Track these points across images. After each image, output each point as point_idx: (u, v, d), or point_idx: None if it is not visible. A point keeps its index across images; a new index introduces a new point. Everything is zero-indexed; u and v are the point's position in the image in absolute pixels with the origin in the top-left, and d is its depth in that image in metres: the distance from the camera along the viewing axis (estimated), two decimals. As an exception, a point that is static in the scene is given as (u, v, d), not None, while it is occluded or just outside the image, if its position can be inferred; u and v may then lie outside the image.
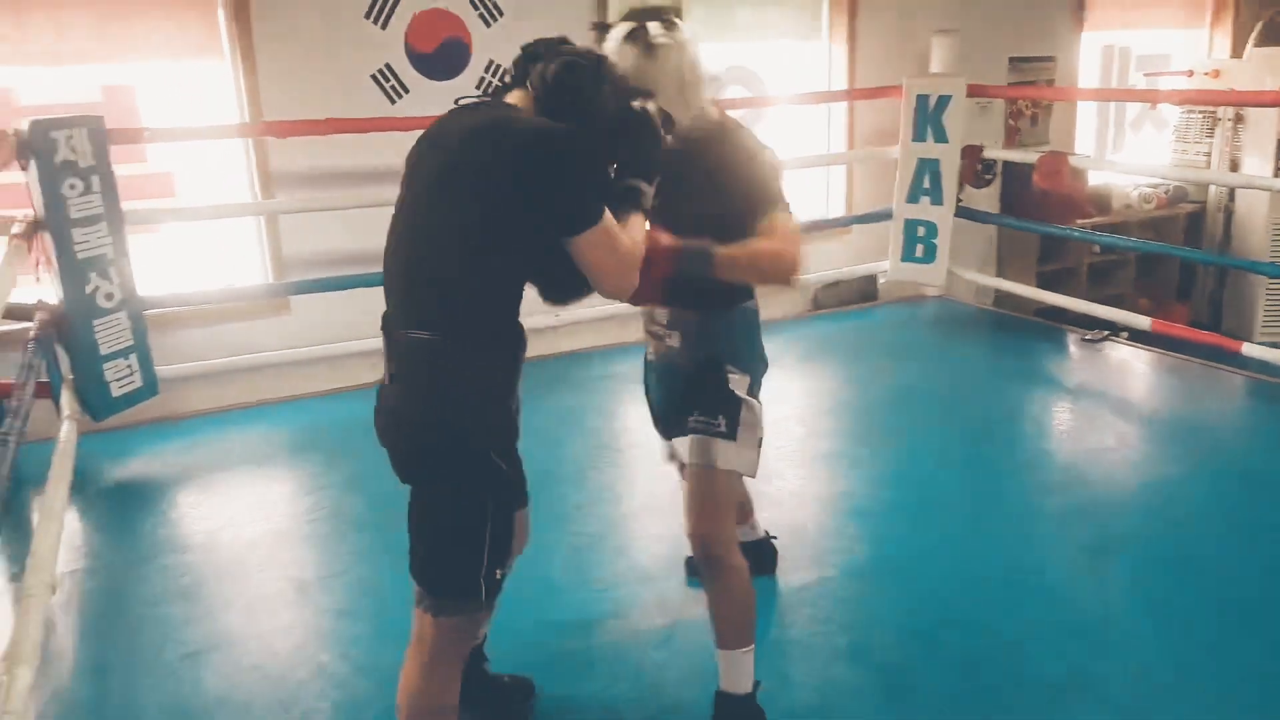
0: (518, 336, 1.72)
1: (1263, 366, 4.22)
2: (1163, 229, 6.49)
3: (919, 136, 5.26)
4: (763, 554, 2.71)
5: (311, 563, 2.99)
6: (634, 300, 1.80)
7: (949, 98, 5.17)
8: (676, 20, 1.90)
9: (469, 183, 1.60)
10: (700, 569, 2.09)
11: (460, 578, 1.72)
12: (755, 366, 2.12)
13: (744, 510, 2.64)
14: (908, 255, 5.42)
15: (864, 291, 5.76)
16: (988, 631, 2.50)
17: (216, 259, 4.36)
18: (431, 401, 1.67)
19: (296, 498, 3.45)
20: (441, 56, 4.47)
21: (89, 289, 3.59)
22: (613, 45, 1.87)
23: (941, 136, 5.22)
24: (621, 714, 2.24)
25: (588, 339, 4.88)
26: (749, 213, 1.89)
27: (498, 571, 1.74)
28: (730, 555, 2.04)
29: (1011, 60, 6.03)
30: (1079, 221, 6.02)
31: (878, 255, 5.57)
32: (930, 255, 5.36)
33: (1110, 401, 4.31)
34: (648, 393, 2.34)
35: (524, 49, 1.79)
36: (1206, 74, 6.33)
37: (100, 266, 3.61)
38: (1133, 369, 4.64)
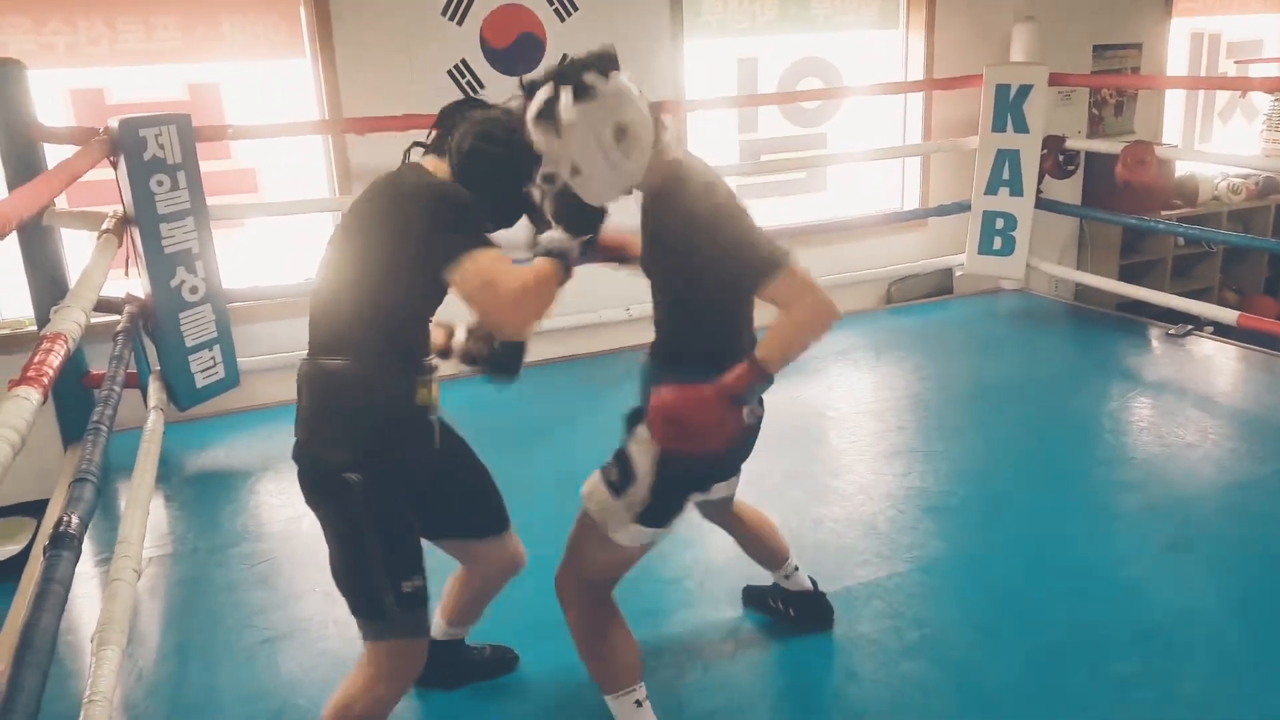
0: (400, 362, 1.77)
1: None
2: (1251, 220, 6.23)
3: (999, 127, 5.12)
4: (814, 608, 2.47)
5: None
6: (719, 439, 1.74)
7: (1030, 87, 5.02)
8: (595, 80, 1.68)
9: (362, 226, 1.74)
10: None
11: (361, 598, 1.76)
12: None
13: (775, 557, 2.43)
14: (985, 248, 5.29)
15: (939, 285, 5.64)
16: (1060, 628, 2.44)
17: (296, 253, 4.47)
18: (299, 428, 1.80)
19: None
20: (516, 51, 4.51)
21: (175, 283, 3.71)
22: (529, 121, 1.73)
23: (1022, 126, 5.08)
24: (690, 704, 2.23)
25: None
26: (744, 275, 1.73)
27: (404, 585, 1.73)
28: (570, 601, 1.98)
29: (1096, 48, 5.84)
30: (1164, 213, 5.81)
31: (954, 248, 5.45)
32: (1009, 248, 5.22)
33: (1192, 397, 4.15)
34: None
35: (441, 112, 1.85)
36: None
37: (186, 261, 3.73)
38: (1217, 364, 4.46)
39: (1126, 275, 5.74)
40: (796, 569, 2.46)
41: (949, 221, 5.42)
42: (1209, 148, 6.51)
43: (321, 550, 2.96)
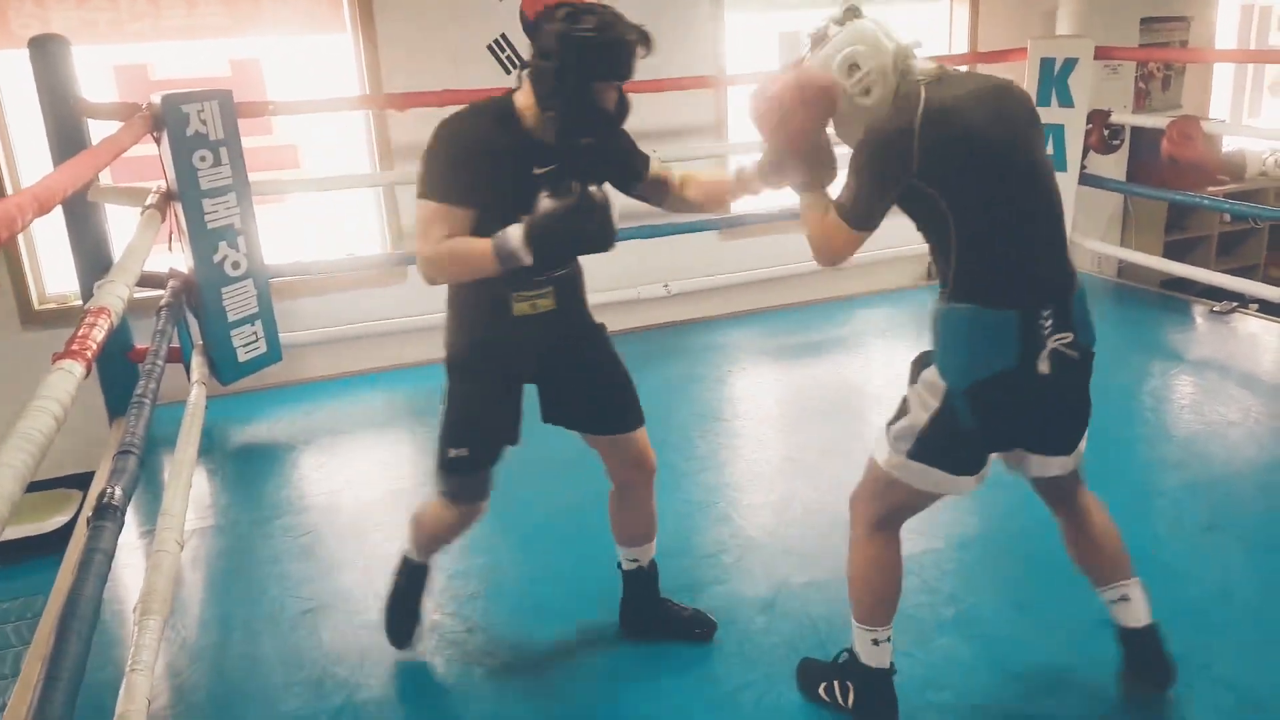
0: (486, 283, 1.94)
1: None
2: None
3: (1043, 101, 5.02)
4: (1144, 657, 2.10)
5: (424, 523, 3.08)
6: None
7: (1076, 60, 4.92)
8: (832, 25, 1.87)
9: None
10: None
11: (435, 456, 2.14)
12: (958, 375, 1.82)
13: (1103, 573, 2.11)
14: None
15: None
16: (1097, 607, 2.39)
17: (338, 229, 4.52)
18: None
19: (414, 461, 3.55)
20: (554, 25, 4.49)
21: (218, 258, 3.76)
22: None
23: (1067, 100, 4.98)
24: (723, 678, 2.25)
25: (697, 309, 4.87)
26: None
27: (450, 451, 2.09)
28: (854, 529, 2.03)
29: (1143, 21, 5.70)
30: (1210, 189, 5.68)
31: (993, 225, 5.38)
32: (1050, 225, 5.13)
33: (1236, 375, 4.08)
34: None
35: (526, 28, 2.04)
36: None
37: (229, 236, 3.78)
38: (1262, 342, 4.38)
39: (1171, 252, 5.64)
40: (1126, 599, 2.06)
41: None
42: (1258, 123, 6.35)
43: (363, 522, 3.06)
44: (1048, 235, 1.83)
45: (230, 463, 3.66)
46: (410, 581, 2.37)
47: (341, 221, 4.53)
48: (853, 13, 1.87)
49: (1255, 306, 4.59)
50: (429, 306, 4.48)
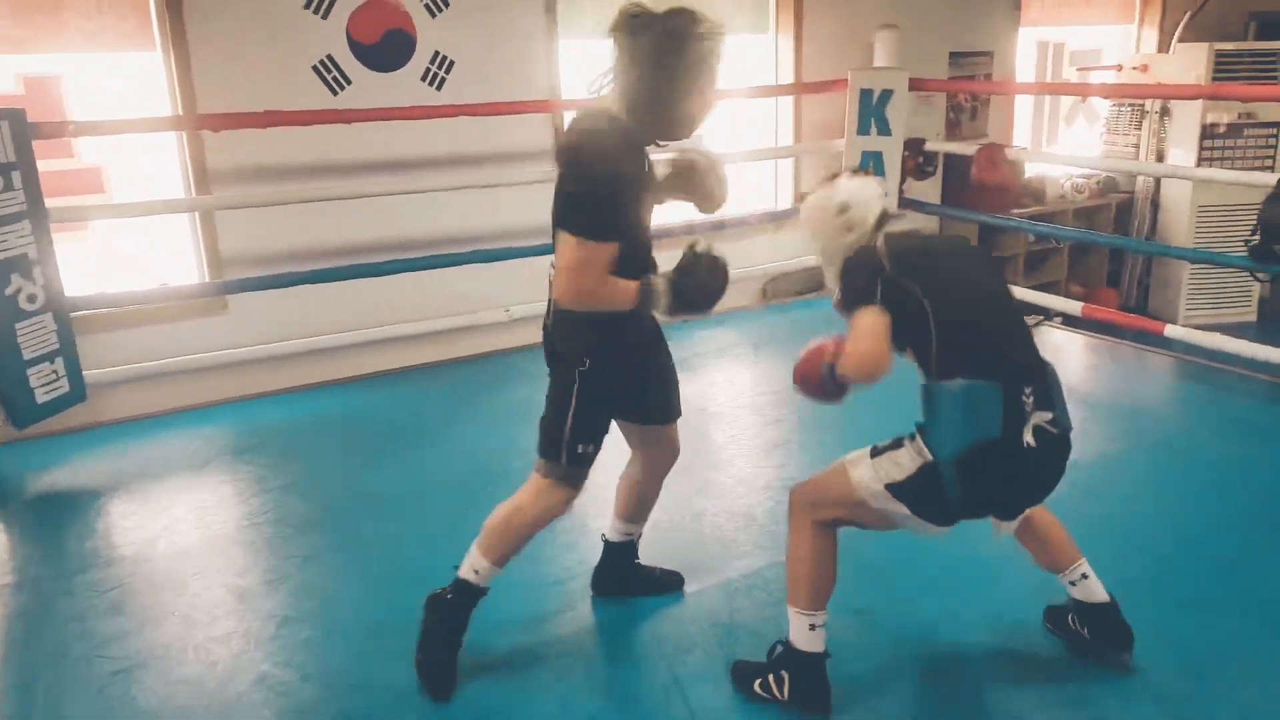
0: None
1: (1185, 347, 4.35)
2: (1094, 218, 6.62)
3: (863, 129, 5.29)
4: (1109, 627, 2.26)
5: (253, 569, 2.89)
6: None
7: (892, 91, 5.21)
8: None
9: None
10: None
11: (550, 444, 2.22)
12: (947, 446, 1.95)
13: (1058, 560, 2.28)
14: (853, 247, 5.44)
15: (813, 282, 5.78)
16: (931, 609, 2.52)
17: (150, 258, 4.22)
18: (548, 318, 2.24)
19: (236, 503, 3.34)
20: (385, 48, 4.37)
21: (10, 290, 3.44)
22: None
23: (885, 129, 5.26)
24: (573, 707, 2.20)
25: (538, 333, 4.81)
26: None
27: (579, 446, 2.19)
28: (799, 520, 2.15)
29: (952, 55, 6.10)
30: (1015, 211, 6.11)
31: (824, 247, 5.59)
32: (875, 246, 5.38)
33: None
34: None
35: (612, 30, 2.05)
36: (1135, 68, 6.47)
37: (22, 267, 3.47)
38: (1066, 352, 4.73)
39: (984, 271, 6.00)
40: (1085, 577, 2.24)
41: (819, 221, 5.55)
42: (1055, 149, 6.89)
43: (179, 571, 2.84)
44: (1014, 327, 2.07)
45: (28, 514, 3.33)
46: (463, 612, 2.26)
47: (153, 249, 4.24)
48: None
49: (1059, 320, 4.95)
50: (249, 338, 4.32)
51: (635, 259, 2.07)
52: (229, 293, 4.18)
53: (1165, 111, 6.28)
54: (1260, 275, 4.28)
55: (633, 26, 1.95)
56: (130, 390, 4.04)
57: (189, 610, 2.62)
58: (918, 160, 5.35)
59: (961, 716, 2.18)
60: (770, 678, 2.15)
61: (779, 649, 2.16)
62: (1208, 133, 6.02)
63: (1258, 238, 3.75)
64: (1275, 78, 5.83)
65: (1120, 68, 6.60)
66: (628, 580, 2.61)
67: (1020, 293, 5.10)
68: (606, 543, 2.60)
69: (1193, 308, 6.25)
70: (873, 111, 5.25)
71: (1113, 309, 5.56)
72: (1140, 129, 6.46)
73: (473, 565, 2.24)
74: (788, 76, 5.53)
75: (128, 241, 4.20)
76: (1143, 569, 2.67)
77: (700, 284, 2.10)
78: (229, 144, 4.08)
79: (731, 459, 3.53)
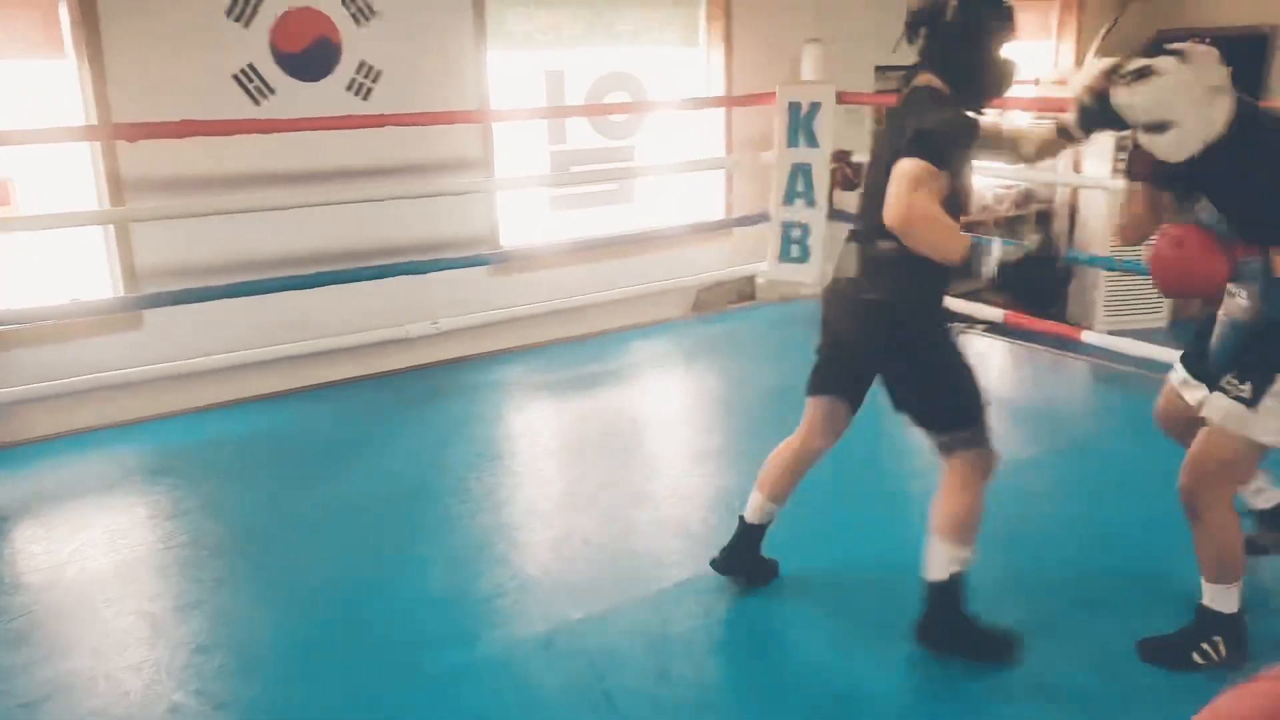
0: None
1: (1102, 352, 4.48)
2: (1015, 227, 6.80)
3: (793, 142, 5.35)
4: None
5: (166, 594, 2.78)
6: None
7: (819, 104, 5.28)
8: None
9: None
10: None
11: (962, 417, 2.30)
12: None
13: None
14: (784, 256, 5.50)
15: (743, 292, 5.82)
16: (859, 612, 2.56)
17: (61, 271, 4.06)
18: (882, 292, 2.25)
19: (150, 526, 3.21)
20: (309, 57, 4.28)
21: (-91, 305, 3.28)
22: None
23: (813, 142, 5.32)
24: (504, 727, 2.16)
25: (468, 346, 4.76)
26: None
27: (981, 404, 2.29)
28: (1209, 511, 2.21)
29: (877, 69, 6.20)
30: (943, 223, 6.22)
31: (756, 257, 5.64)
32: (805, 255, 5.45)
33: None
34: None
35: (909, 25, 2.28)
36: (1053, 82, 6.66)
37: (-79, 280, 3.30)
38: (989, 358, 4.84)
39: (912, 281, 6.11)
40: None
41: (751, 231, 5.60)
42: (978, 161, 7.05)
43: (91, 598, 2.72)
44: None
45: (-72, 541, 3.16)
46: (960, 600, 2.30)
47: (64, 263, 4.07)
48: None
49: (983, 326, 5.06)
50: (165, 354, 4.18)
51: (954, 211, 2.17)
52: (144, 307, 4.04)
53: (1082, 125, 6.48)
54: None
55: (951, 7, 2.19)
56: (39, 410, 3.88)
57: (99, 639, 2.52)
58: (846, 172, 5.42)
59: None
60: (1205, 645, 2.25)
61: (1195, 623, 2.27)
62: (1122, 144, 6.22)
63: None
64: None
65: (1038, 82, 6.80)
66: (752, 565, 2.63)
67: (946, 301, 5.20)
68: (745, 524, 2.59)
69: (1109, 314, 6.45)
70: (801, 124, 5.32)
71: (1033, 316, 5.69)
72: (1059, 141, 6.65)
73: (952, 558, 2.27)
74: (718, 90, 5.57)
75: (37, 256, 4.04)
76: (1058, 568, 2.73)
77: (1029, 278, 2.14)
78: (146, 154, 3.95)
79: (664, 470, 3.52)
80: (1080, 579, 2.70)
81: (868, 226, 2.26)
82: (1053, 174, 6.58)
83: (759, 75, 5.53)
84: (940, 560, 2.28)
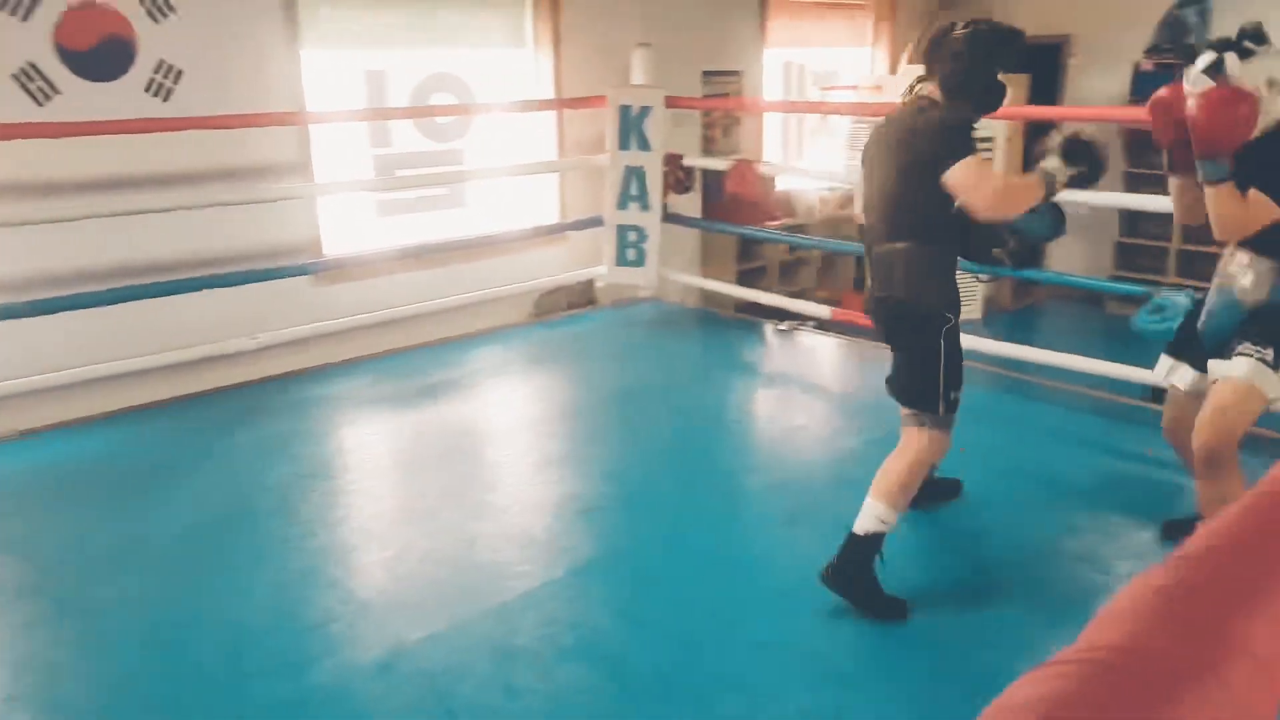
0: (952, 239, 2.53)
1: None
2: (839, 228, 7.09)
3: (625, 145, 5.38)
4: None
5: (-46, 645, 2.51)
6: None
7: (650, 108, 5.33)
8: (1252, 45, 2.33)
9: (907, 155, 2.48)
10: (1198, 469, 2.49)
11: (927, 399, 2.53)
12: None
13: None
14: (621, 259, 5.53)
15: (583, 296, 5.81)
16: (702, 606, 2.58)
17: None
18: (895, 288, 2.55)
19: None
20: (100, 55, 3.95)
21: None
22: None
23: (645, 145, 5.37)
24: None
25: (294, 361, 4.53)
26: None
27: (952, 393, 2.52)
28: (1231, 464, 2.41)
29: (705, 74, 6.34)
30: (769, 223, 6.44)
31: (594, 260, 5.65)
32: (641, 259, 5.50)
33: (801, 384, 4.66)
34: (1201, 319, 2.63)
35: (928, 46, 2.54)
36: (869, 88, 7.00)
37: None
38: (819, 354, 5.04)
39: (743, 280, 6.28)
40: None
41: (588, 235, 5.60)
42: (803, 164, 7.33)
43: None
44: None
45: None
46: (874, 556, 2.49)
47: None
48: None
49: (812, 324, 5.25)
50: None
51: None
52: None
53: (896, 129, 6.83)
54: (982, 277, 4.71)
55: (945, 35, 2.48)
56: None
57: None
58: (677, 175, 5.51)
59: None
60: None
61: None
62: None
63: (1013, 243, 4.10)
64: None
65: (856, 87, 7.12)
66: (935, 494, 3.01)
67: (776, 300, 5.37)
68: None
69: (927, 308, 6.81)
70: (633, 127, 5.36)
71: (859, 312, 5.95)
72: (876, 145, 6.98)
73: (879, 517, 2.49)
74: (548, 92, 5.54)
75: None
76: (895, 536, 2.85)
77: (1091, 160, 2.46)
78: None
79: (506, 479, 3.46)
80: (907, 555, 2.81)
81: (878, 229, 2.55)
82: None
83: (590, 78, 5.54)
84: (869, 516, 2.50)
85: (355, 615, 2.57)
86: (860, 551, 2.49)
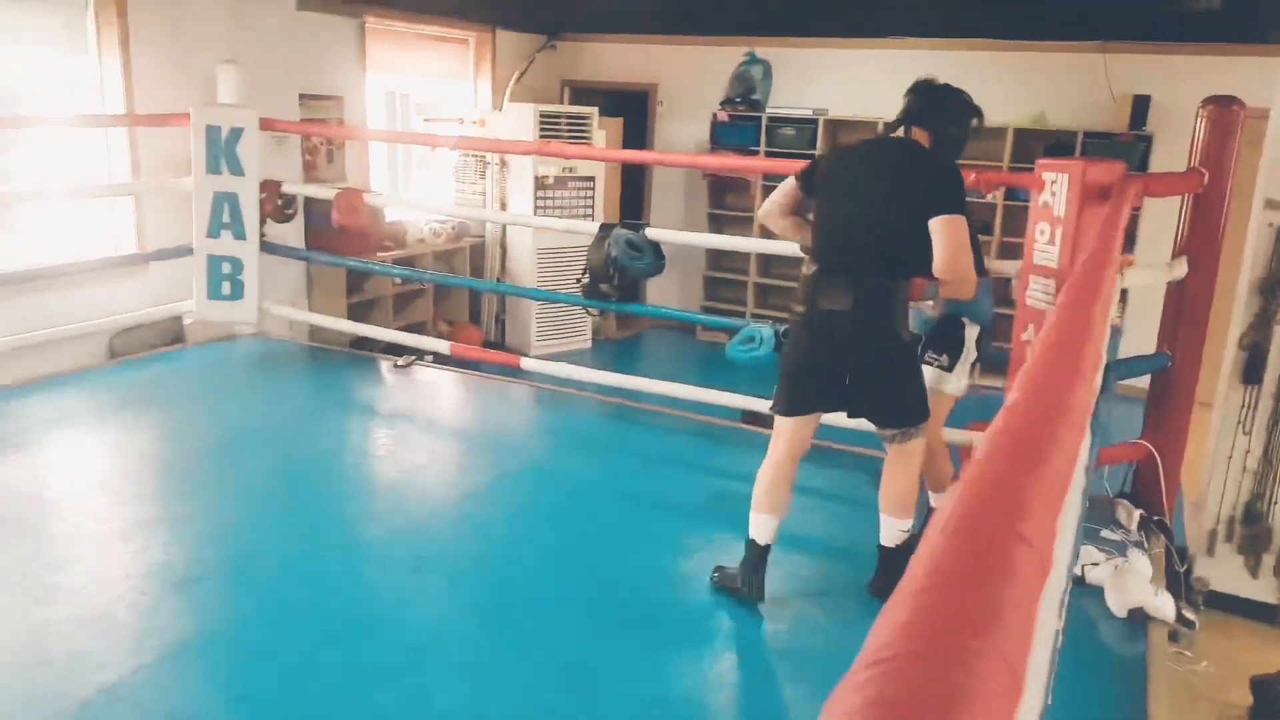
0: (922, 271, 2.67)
1: (540, 376, 4.83)
2: (452, 260, 7.12)
3: (214, 168, 4.94)
4: None
5: None
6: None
7: (242, 130, 4.95)
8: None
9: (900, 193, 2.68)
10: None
11: (920, 411, 2.78)
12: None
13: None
14: (214, 293, 5.06)
15: (170, 334, 5.22)
16: (323, 677, 2.41)
17: None
18: (868, 311, 2.65)
19: None
20: None
21: None
22: None
23: (238, 169, 4.97)
24: None
25: None
26: None
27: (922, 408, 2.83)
28: (938, 450, 3.11)
29: (302, 96, 6.01)
30: (379, 255, 6.27)
31: (182, 294, 5.10)
32: (238, 292, 5.07)
33: (421, 422, 4.57)
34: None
35: (919, 92, 2.76)
36: (475, 122, 7.10)
37: None
38: (438, 389, 4.99)
39: (354, 314, 6.04)
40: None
41: (173, 266, 5.05)
42: (411, 195, 7.24)
43: None
44: None
45: None
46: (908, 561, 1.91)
47: None
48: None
49: (430, 358, 5.18)
50: None
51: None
52: None
53: (504, 163, 7.00)
54: (591, 310, 4.96)
55: (946, 94, 2.76)
56: None
57: None
58: (276, 202, 5.16)
59: None
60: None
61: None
62: (540, 184, 6.85)
63: (587, 278, 4.33)
64: (586, 137, 6.87)
65: (462, 120, 7.18)
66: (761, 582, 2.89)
67: (390, 335, 5.22)
68: (761, 546, 2.79)
69: (541, 339, 7.05)
70: (222, 150, 4.94)
71: (477, 345, 6.00)
72: (484, 178, 7.10)
73: (902, 529, 2.80)
74: (118, 106, 4.92)
75: None
76: (524, 573, 2.89)
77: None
78: None
79: (79, 553, 2.98)
80: (542, 580, 2.87)
81: (858, 262, 2.64)
82: (481, 210, 7.02)
83: (168, 94, 5.02)
84: (892, 531, 2.80)
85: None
86: (900, 560, 2.66)
